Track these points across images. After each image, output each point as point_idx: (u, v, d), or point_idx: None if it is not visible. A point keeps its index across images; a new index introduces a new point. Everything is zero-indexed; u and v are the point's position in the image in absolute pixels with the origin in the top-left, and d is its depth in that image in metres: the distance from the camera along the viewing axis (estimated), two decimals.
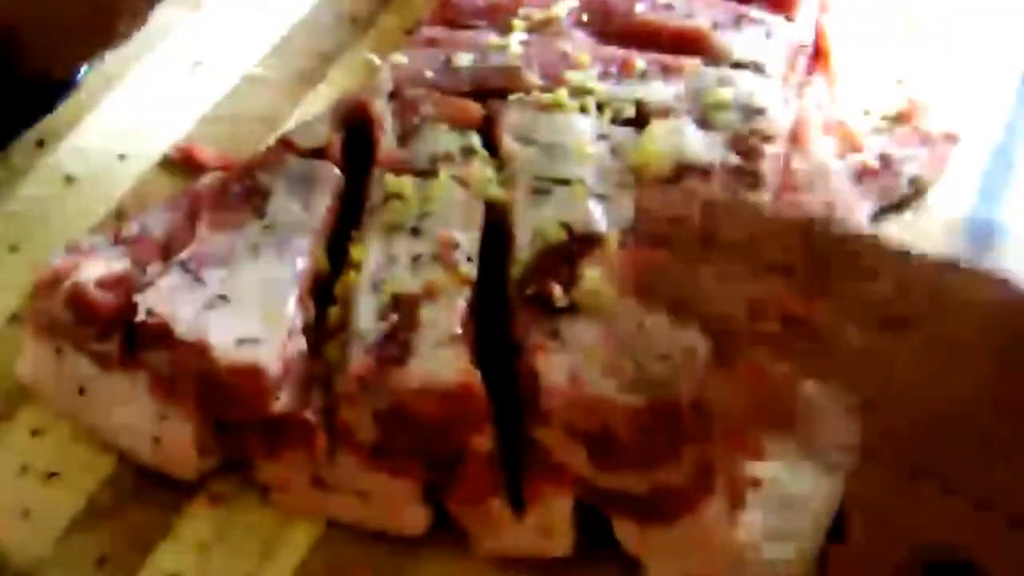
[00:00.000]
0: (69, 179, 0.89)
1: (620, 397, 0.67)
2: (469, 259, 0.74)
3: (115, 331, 0.73)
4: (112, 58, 0.95)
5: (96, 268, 0.74)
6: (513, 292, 0.73)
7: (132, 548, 0.73)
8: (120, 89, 0.94)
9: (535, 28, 0.86)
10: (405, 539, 0.72)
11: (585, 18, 0.87)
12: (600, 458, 0.68)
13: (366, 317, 0.72)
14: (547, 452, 0.69)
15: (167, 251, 0.76)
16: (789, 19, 0.87)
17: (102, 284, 0.73)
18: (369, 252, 0.75)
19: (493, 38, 0.86)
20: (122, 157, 0.90)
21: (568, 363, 0.69)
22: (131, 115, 0.92)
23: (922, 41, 0.95)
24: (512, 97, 0.82)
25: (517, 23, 0.87)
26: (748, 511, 0.70)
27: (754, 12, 0.87)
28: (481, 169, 0.78)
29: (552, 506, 0.70)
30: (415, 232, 0.75)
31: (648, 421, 0.67)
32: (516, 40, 0.85)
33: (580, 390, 0.68)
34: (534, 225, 0.75)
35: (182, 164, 0.89)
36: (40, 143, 0.90)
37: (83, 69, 0.91)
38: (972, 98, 0.93)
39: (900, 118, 0.89)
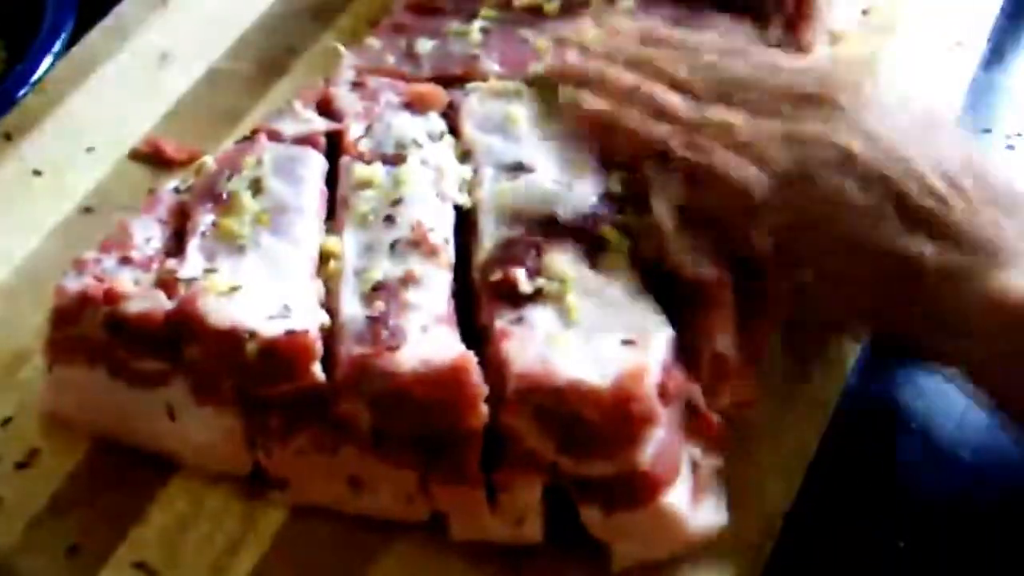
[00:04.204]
0: (37, 172, 0.89)
1: (586, 382, 0.67)
2: (446, 241, 0.75)
3: (158, 346, 0.72)
4: (79, 52, 0.95)
5: (125, 286, 0.73)
6: (478, 279, 0.73)
7: (102, 536, 0.73)
8: (87, 83, 0.94)
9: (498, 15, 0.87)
10: (375, 525, 0.73)
11: None
12: (567, 443, 0.68)
13: (352, 305, 0.72)
14: (515, 438, 0.69)
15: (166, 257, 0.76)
16: None
17: (135, 302, 0.73)
18: (346, 241, 0.75)
19: (455, 25, 0.87)
20: (90, 150, 0.90)
21: (535, 349, 0.69)
22: (98, 109, 0.93)
23: None
24: (471, 85, 0.83)
25: (486, 11, 0.88)
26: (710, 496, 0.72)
27: None
28: (447, 157, 0.79)
29: (521, 493, 0.70)
30: (389, 219, 0.76)
31: (614, 405, 0.67)
32: (477, 27, 0.86)
33: (547, 375, 0.68)
34: (497, 212, 0.76)
35: (149, 157, 0.90)
36: (8, 136, 0.91)
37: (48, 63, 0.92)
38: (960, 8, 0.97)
39: None
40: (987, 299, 0.67)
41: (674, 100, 0.76)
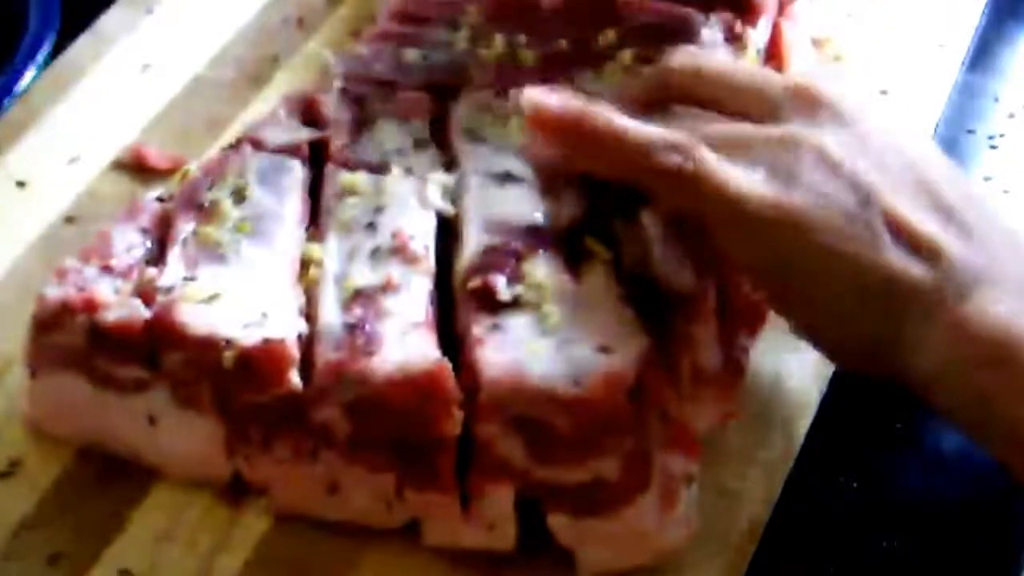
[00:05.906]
0: (20, 183, 0.90)
1: (557, 388, 0.67)
2: (427, 248, 0.75)
3: (138, 354, 0.73)
4: (62, 62, 0.95)
5: (104, 294, 0.73)
6: (458, 286, 0.73)
7: (85, 545, 0.73)
8: (70, 92, 0.94)
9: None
10: (357, 531, 0.73)
11: None
12: (538, 450, 0.68)
13: (331, 312, 0.72)
14: (487, 444, 0.69)
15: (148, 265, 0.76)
16: (750, 24, 0.86)
17: (114, 311, 0.73)
18: (328, 248, 0.76)
19: (442, 33, 0.87)
20: (73, 160, 0.90)
21: (509, 356, 0.69)
22: (81, 118, 0.93)
23: None
24: (460, 94, 0.83)
25: (466, 19, 0.87)
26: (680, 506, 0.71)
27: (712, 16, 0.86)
28: (431, 166, 0.79)
29: (494, 499, 0.70)
30: (371, 227, 0.76)
31: (584, 412, 0.67)
32: (463, 36, 0.86)
33: (518, 381, 0.68)
34: (482, 221, 0.75)
35: (133, 166, 0.90)
36: None
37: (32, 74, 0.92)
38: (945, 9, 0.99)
39: None
40: (951, 325, 0.66)
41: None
